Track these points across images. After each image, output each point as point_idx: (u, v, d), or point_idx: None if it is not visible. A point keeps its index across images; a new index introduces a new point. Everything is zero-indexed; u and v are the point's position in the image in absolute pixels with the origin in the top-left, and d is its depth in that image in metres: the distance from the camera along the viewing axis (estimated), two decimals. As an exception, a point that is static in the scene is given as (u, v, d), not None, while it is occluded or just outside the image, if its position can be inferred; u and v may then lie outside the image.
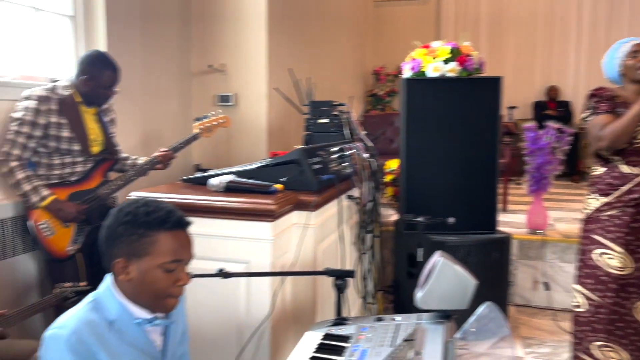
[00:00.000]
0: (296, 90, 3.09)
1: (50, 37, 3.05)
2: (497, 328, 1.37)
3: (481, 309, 1.43)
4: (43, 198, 2.45)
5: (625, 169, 2.30)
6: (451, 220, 2.74)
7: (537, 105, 7.61)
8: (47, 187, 2.49)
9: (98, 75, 2.55)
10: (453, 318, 1.62)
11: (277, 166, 2.20)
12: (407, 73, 3.15)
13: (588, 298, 2.33)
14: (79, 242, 2.57)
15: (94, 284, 1.39)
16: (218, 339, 2.00)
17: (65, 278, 2.44)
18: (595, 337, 2.31)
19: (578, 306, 2.38)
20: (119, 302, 1.28)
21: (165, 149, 2.76)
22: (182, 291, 1.31)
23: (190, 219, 1.33)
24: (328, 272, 1.79)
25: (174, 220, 1.26)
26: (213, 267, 1.77)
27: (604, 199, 2.35)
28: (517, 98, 7.55)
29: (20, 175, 2.44)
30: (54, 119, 2.49)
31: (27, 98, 2.48)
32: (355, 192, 2.68)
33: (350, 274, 1.80)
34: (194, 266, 1.36)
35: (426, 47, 3.12)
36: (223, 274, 1.71)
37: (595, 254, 2.33)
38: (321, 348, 1.54)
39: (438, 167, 3.11)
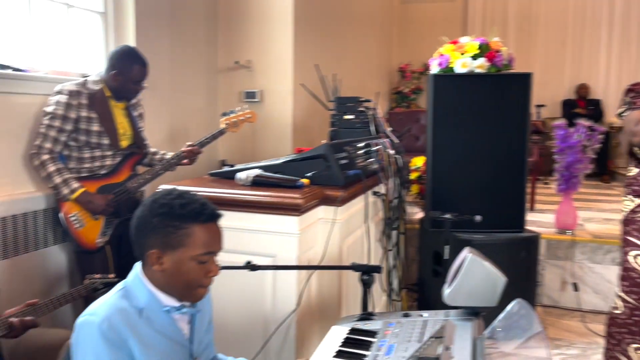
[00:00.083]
0: (322, 86, 3.08)
1: (82, 33, 3.11)
2: (528, 326, 1.34)
3: (511, 306, 1.40)
4: (73, 191, 2.50)
5: None
6: (478, 218, 2.70)
7: (566, 104, 7.47)
8: (77, 180, 2.54)
9: (127, 70, 2.58)
10: (481, 315, 1.59)
11: (304, 161, 2.20)
12: (434, 69, 3.11)
13: (624, 300, 2.28)
14: (108, 235, 2.61)
15: (121, 276, 1.41)
16: (244, 331, 2.00)
17: (94, 270, 2.48)
18: (632, 339, 2.26)
19: (616, 308, 2.33)
20: (148, 290, 1.30)
21: (192, 144, 2.78)
22: (212, 281, 1.33)
23: (221, 211, 1.34)
24: (354, 267, 1.78)
25: (208, 213, 1.28)
26: (240, 260, 1.77)
27: (639, 200, 2.28)
28: (546, 96, 7.41)
29: (51, 168, 2.49)
30: (84, 113, 2.53)
31: (59, 92, 2.52)
32: (381, 189, 2.67)
33: (376, 269, 1.79)
34: (222, 259, 1.36)
35: (454, 42, 3.08)
36: (250, 267, 1.71)
37: (631, 255, 2.27)
38: (348, 342, 1.53)
39: (465, 165, 3.07)
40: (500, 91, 3.02)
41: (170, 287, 1.30)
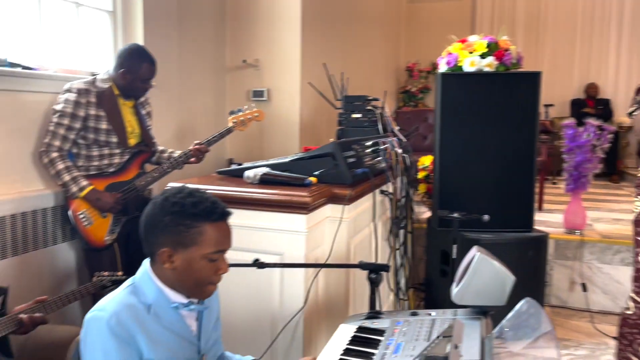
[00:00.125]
0: (330, 85, 3.08)
1: (90, 31, 3.12)
2: (538, 325, 1.33)
3: (520, 305, 1.40)
4: (82, 188, 2.51)
5: None
6: (486, 217, 2.69)
7: (575, 103, 7.43)
8: (86, 177, 2.55)
9: (136, 68, 2.59)
10: (490, 315, 1.58)
11: (311, 159, 2.20)
12: (442, 68, 3.10)
13: (635, 301, 2.27)
14: (116, 232, 2.62)
15: (129, 274, 1.42)
16: (252, 329, 2.01)
17: (102, 267, 2.49)
18: None
19: (628, 309, 2.32)
20: (157, 286, 1.30)
21: (200, 142, 2.79)
22: (221, 279, 1.33)
23: (230, 209, 1.35)
24: (362, 266, 1.78)
25: (219, 212, 1.28)
26: (248, 258, 1.78)
27: None
28: (554, 96, 7.36)
29: (60, 166, 2.50)
30: (92, 111, 2.54)
31: (68, 90, 2.54)
32: (388, 187, 2.66)
33: (384, 267, 1.79)
34: (229, 256, 1.37)
35: (463, 41, 3.07)
36: (258, 264, 1.72)
37: (642, 256, 2.26)
38: (355, 340, 1.53)
39: (473, 164, 3.06)
40: (508, 90, 3.01)
41: (180, 284, 1.30)
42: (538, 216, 3.47)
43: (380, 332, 1.56)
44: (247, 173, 2.13)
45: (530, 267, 3.02)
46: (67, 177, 2.50)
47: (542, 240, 3.09)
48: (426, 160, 3.94)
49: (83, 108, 2.52)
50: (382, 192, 2.60)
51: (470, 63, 2.97)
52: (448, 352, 1.19)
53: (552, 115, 7.16)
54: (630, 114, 2.32)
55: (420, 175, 3.92)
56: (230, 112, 2.97)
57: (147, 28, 3.33)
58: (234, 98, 4.27)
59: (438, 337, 1.29)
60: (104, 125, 2.57)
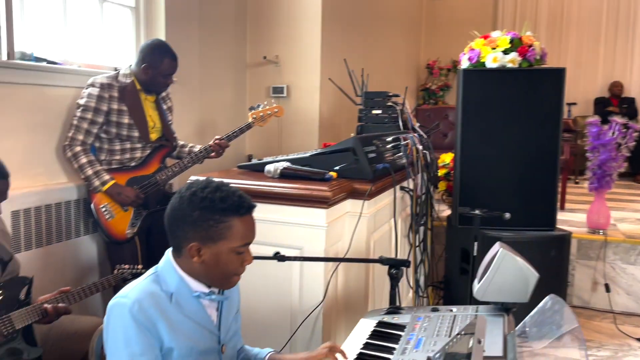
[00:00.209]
0: (351, 80, 3.07)
1: (113, 27, 3.16)
2: (562, 322, 1.31)
3: (544, 301, 1.37)
4: (104, 182, 2.54)
5: None
6: (507, 215, 2.65)
7: (599, 102, 7.30)
8: (108, 171, 2.58)
9: (157, 63, 2.61)
10: (512, 312, 1.56)
11: (332, 154, 2.19)
12: (464, 64, 3.07)
13: None
14: (136, 226, 2.64)
15: (149, 267, 1.42)
16: (271, 323, 2.01)
17: (124, 260, 2.52)
18: None
19: None
20: (179, 275, 1.31)
21: (220, 138, 2.80)
22: (245, 269, 1.34)
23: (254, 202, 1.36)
24: (383, 261, 1.77)
25: (247, 206, 1.29)
26: (268, 252, 1.78)
27: None
28: (577, 94, 7.27)
29: (83, 160, 2.53)
30: (115, 106, 2.57)
31: (91, 85, 2.57)
32: (409, 184, 2.64)
33: (405, 263, 1.77)
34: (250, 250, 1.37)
35: (485, 37, 3.02)
36: (279, 257, 1.72)
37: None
38: (375, 335, 1.52)
39: (494, 161, 3.02)
40: (532, 87, 2.96)
41: (207, 276, 1.31)
42: (560, 215, 3.42)
43: (400, 327, 1.55)
44: (268, 167, 2.13)
45: (552, 267, 2.97)
46: (89, 171, 2.53)
47: (565, 239, 3.04)
48: (447, 158, 3.91)
49: (106, 102, 2.55)
50: (402, 188, 2.58)
51: (493, 59, 2.93)
52: (471, 347, 1.17)
53: (575, 114, 7.05)
54: None
55: (441, 172, 3.89)
56: (250, 107, 2.97)
57: (168, 24, 3.36)
58: (254, 94, 4.28)
59: (460, 332, 1.28)
60: (126, 120, 2.60)
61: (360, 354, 1.42)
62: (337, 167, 2.15)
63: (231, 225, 1.27)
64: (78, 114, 2.54)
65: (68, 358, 1.93)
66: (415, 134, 2.80)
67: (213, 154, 2.80)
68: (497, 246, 1.55)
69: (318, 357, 1.37)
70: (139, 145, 2.66)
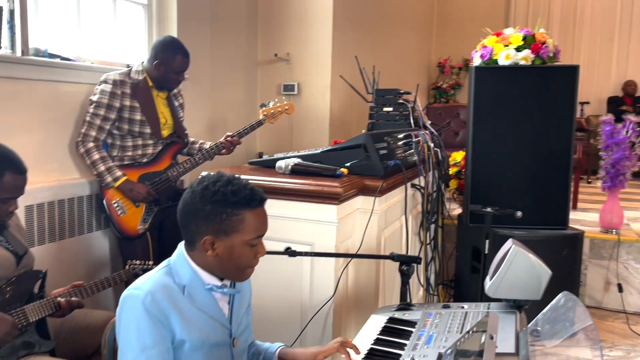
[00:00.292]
0: (362, 77, 3.06)
1: (126, 24, 3.18)
2: (576, 319, 1.30)
3: (557, 299, 1.36)
4: (116, 179, 2.56)
5: None
6: (519, 214, 2.64)
7: (612, 101, 7.22)
8: (120, 167, 2.59)
9: (169, 60, 2.62)
10: (524, 309, 1.55)
11: (343, 150, 2.19)
12: (476, 61, 3.05)
13: None
14: (148, 222, 2.66)
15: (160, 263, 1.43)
16: (282, 318, 2.01)
17: (135, 255, 2.54)
18: None
19: None
20: (191, 268, 1.32)
21: (232, 135, 2.81)
22: (259, 261, 1.35)
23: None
24: (394, 257, 1.76)
25: (259, 199, 1.30)
26: (279, 248, 1.78)
27: None
28: (590, 93, 7.20)
29: (96, 156, 2.55)
30: (127, 102, 2.59)
31: (104, 82, 2.59)
32: (420, 181, 2.63)
33: (416, 259, 1.77)
34: (261, 246, 1.37)
35: (498, 34, 3.01)
36: (290, 252, 1.72)
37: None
38: (386, 331, 1.52)
39: (506, 159, 3.00)
40: (545, 84, 2.94)
41: (221, 270, 1.32)
42: (572, 215, 3.39)
43: (411, 323, 1.55)
44: (279, 163, 2.13)
45: (564, 266, 2.95)
46: (102, 167, 2.55)
47: (577, 238, 3.01)
48: (458, 156, 3.89)
49: (118, 99, 2.56)
50: (413, 185, 2.57)
51: (506, 56, 2.92)
52: (483, 344, 1.17)
53: (588, 113, 6.99)
54: None
55: (452, 171, 3.88)
56: (261, 104, 2.98)
57: (181, 21, 3.37)
58: (265, 92, 4.29)
59: (472, 328, 1.27)
60: (138, 116, 2.61)
61: (371, 349, 1.42)
62: (348, 164, 2.15)
63: (243, 218, 1.28)
64: (91, 110, 2.56)
65: (80, 351, 1.95)
66: (427, 131, 2.79)
67: (224, 150, 2.81)
68: (509, 243, 1.54)
69: (329, 352, 1.37)
70: (150, 142, 2.68)
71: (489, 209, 2.51)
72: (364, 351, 1.41)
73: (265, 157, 2.42)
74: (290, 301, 2.00)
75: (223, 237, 1.28)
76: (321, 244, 1.94)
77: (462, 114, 5.57)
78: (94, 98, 2.57)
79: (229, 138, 2.80)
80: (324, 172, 2.06)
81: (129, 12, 3.20)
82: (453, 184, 3.96)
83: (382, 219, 2.18)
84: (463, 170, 3.69)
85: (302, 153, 2.27)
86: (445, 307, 1.64)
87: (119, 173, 2.57)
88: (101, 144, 2.60)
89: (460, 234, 3.40)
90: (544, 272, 1.49)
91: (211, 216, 1.27)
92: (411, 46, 6.77)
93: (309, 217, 1.96)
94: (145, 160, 2.68)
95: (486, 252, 2.51)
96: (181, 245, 1.36)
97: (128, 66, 2.83)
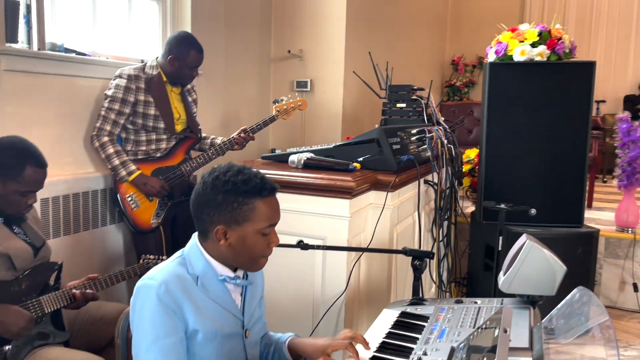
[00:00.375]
0: (375, 74, 3.05)
1: (140, 20, 3.20)
2: (591, 314, 1.28)
3: (572, 294, 1.34)
4: (130, 173, 2.57)
5: None
6: (533, 211, 2.61)
7: (628, 100, 7.13)
8: (134, 162, 2.61)
9: (183, 55, 2.63)
10: (538, 305, 1.53)
11: (356, 145, 2.18)
12: (491, 57, 3.02)
13: None
14: (161, 216, 2.67)
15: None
16: (294, 312, 2.02)
17: (148, 249, 2.56)
18: None
19: None
20: (205, 259, 1.33)
21: (245, 130, 2.82)
22: (272, 251, 1.36)
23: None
24: (406, 252, 1.75)
25: (269, 187, 1.31)
26: (291, 242, 1.78)
27: None
28: (606, 91, 7.12)
29: (110, 150, 2.57)
30: (141, 97, 2.60)
31: (118, 76, 2.60)
32: (433, 177, 2.62)
33: (429, 254, 1.76)
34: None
35: (513, 30, 2.98)
36: (302, 245, 1.72)
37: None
38: (398, 325, 1.51)
39: (520, 156, 2.97)
40: (560, 81, 2.91)
41: (234, 259, 1.33)
42: (587, 214, 3.35)
43: (424, 318, 1.54)
44: (292, 158, 2.14)
45: (579, 264, 2.92)
46: (116, 161, 2.57)
47: (592, 236, 2.98)
48: (471, 153, 3.87)
49: (133, 93, 2.58)
50: (427, 181, 2.56)
51: (521, 52, 2.89)
52: (496, 338, 1.16)
53: (604, 111, 6.91)
54: None
55: (465, 168, 3.85)
56: (274, 100, 2.98)
57: (195, 18, 3.39)
58: (278, 88, 4.29)
59: (485, 322, 1.26)
60: (152, 111, 2.63)
61: (383, 342, 1.41)
62: (360, 158, 2.15)
63: (255, 206, 1.28)
64: (105, 104, 2.58)
65: (94, 343, 1.97)
66: (440, 128, 2.77)
67: (237, 146, 2.82)
68: (523, 238, 1.53)
69: (338, 347, 1.35)
70: (164, 137, 2.69)
71: (502, 205, 2.49)
72: (376, 345, 1.40)
73: (278, 152, 2.43)
74: (302, 295, 2.00)
75: (235, 226, 1.28)
76: (333, 238, 1.94)
77: (476, 111, 5.53)
78: (109, 92, 2.59)
79: (242, 134, 2.80)
80: (336, 166, 2.06)
81: (144, 8, 3.22)
82: (466, 181, 3.94)
83: (395, 215, 2.18)
84: (476, 167, 3.66)
85: (314, 148, 2.27)
86: (458, 302, 1.62)
87: (133, 167, 2.59)
88: (115, 138, 2.62)
89: (473, 232, 3.38)
90: (559, 268, 1.47)
91: (223, 206, 1.27)
92: (425, 43, 6.73)
93: (322, 211, 1.96)
94: (158, 154, 2.69)
95: (499, 249, 2.49)
96: (195, 236, 1.37)
97: (142, 61, 2.84)
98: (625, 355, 2.86)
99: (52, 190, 2.43)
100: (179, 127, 2.75)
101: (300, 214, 1.98)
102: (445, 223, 2.82)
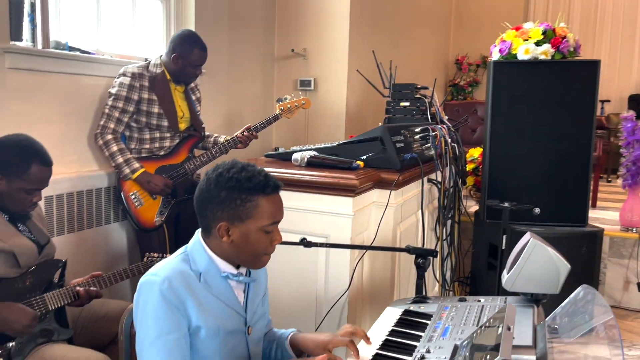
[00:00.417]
0: (379, 72, 3.05)
1: (144, 19, 3.20)
2: (595, 312, 1.27)
3: (576, 292, 1.34)
4: (134, 170, 2.58)
5: None
6: (537, 210, 2.61)
7: (633, 99, 7.09)
8: (137, 160, 2.61)
9: (187, 53, 2.63)
10: (541, 303, 1.53)
11: (359, 143, 2.18)
12: (495, 56, 3.02)
13: None
14: (165, 214, 2.68)
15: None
16: (297, 310, 2.02)
17: (152, 247, 2.57)
18: None
19: None
20: (208, 256, 1.33)
21: (248, 128, 2.82)
22: (275, 249, 1.36)
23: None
24: (409, 250, 1.75)
25: (273, 185, 1.31)
26: (294, 240, 1.78)
27: None
28: (611, 91, 7.09)
29: (114, 148, 2.58)
30: (145, 95, 2.61)
31: (123, 74, 2.61)
32: (436, 176, 2.61)
33: (432, 252, 1.76)
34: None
35: (517, 28, 2.97)
36: (305, 243, 1.72)
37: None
38: (401, 323, 1.51)
39: (524, 155, 2.96)
40: (565, 79, 2.90)
41: (237, 256, 1.33)
42: (591, 213, 3.34)
43: (427, 316, 1.54)
44: (295, 156, 2.14)
45: (583, 264, 2.91)
46: (120, 159, 2.57)
47: (597, 235, 2.97)
48: (475, 153, 3.86)
49: (137, 91, 2.59)
50: (430, 180, 2.56)
51: (525, 51, 2.88)
52: (500, 335, 1.15)
53: (609, 111, 6.88)
54: None
55: (469, 167, 3.84)
56: (277, 99, 2.99)
57: (198, 16, 3.39)
58: (281, 87, 4.29)
59: (489, 319, 1.26)
60: (155, 109, 2.63)
61: (386, 340, 1.41)
62: (364, 157, 2.14)
63: (258, 204, 1.28)
64: (110, 102, 2.59)
65: (97, 340, 1.97)
66: (444, 126, 2.77)
67: (240, 144, 2.82)
68: (527, 236, 1.52)
69: (339, 343, 1.35)
70: (168, 135, 2.70)
71: (506, 204, 2.49)
72: (379, 342, 1.40)
73: (281, 150, 2.43)
74: (305, 293, 2.00)
75: (238, 223, 1.28)
76: (336, 236, 1.94)
77: (480, 110, 5.51)
78: (113, 90, 2.59)
79: (246, 132, 2.80)
80: (339, 164, 2.06)
81: (148, 7, 3.22)
82: (470, 180, 3.93)
83: (398, 213, 2.17)
84: (480, 167, 3.66)
85: (318, 146, 2.27)
86: (462, 300, 1.62)
87: (136, 165, 2.59)
88: (119, 136, 2.62)
89: (476, 231, 3.37)
90: (563, 266, 1.47)
91: (226, 202, 1.27)
92: (428, 43, 6.72)
93: (325, 209, 1.96)
94: (162, 153, 2.70)
95: (503, 247, 2.49)
96: (198, 233, 1.37)
97: (146, 60, 2.85)
98: (630, 355, 2.85)
99: (57, 188, 2.44)
100: (182, 126, 2.75)
101: (304, 212, 1.98)
102: (449, 222, 2.81)
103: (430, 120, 2.90)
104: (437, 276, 2.65)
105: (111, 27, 2.95)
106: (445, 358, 1.26)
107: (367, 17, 4.46)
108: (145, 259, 2.10)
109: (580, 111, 2.92)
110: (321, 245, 1.75)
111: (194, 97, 2.87)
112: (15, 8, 2.30)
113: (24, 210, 1.84)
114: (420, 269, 1.77)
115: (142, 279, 1.27)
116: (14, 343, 1.72)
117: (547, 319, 1.40)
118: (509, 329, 1.12)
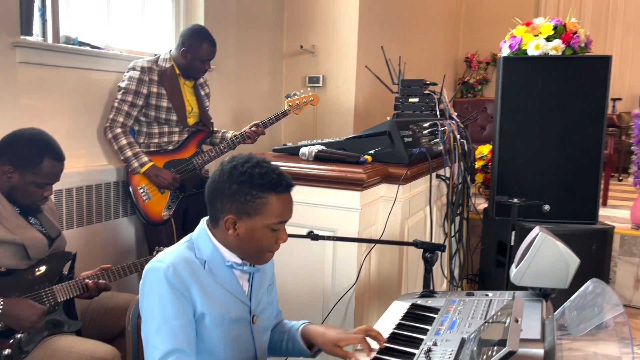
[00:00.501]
0: (388, 68, 3.04)
1: (154, 14, 3.21)
2: (605, 305, 1.26)
3: (585, 286, 1.32)
4: (143, 164, 2.59)
5: None
6: (546, 207, 2.59)
7: (645, 98, 7.03)
8: (146, 154, 2.62)
9: (196, 48, 2.64)
10: (550, 298, 1.52)
11: (367, 138, 2.18)
12: (505, 51, 3.00)
13: None
14: (173, 209, 2.69)
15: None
16: (304, 304, 2.02)
17: (160, 241, 2.58)
18: None
19: None
20: (213, 244, 1.33)
21: (257, 124, 2.82)
22: (279, 247, 1.35)
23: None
24: (417, 244, 1.74)
25: (285, 184, 1.30)
26: (301, 234, 1.78)
27: None
28: (622, 89, 7.01)
29: (123, 141, 2.59)
30: (154, 89, 2.62)
31: (132, 68, 2.62)
32: (445, 172, 2.60)
33: (440, 247, 1.75)
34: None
35: (527, 24, 2.95)
36: (312, 236, 1.71)
37: None
38: (409, 316, 1.50)
39: (534, 152, 2.94)
40: (575, 75, 2.88)
41: (240, 250, 1.33)
42: (602, 212, 3.32)
43: (434, 310, 1.53)
44: (303, 150, 2.14)
45: (593, 261, 2.89)
46: (129, 153, 2.58)
47: (607, 233, 2.94)
48: (484, 150, 3.84)
49: (146, 86, 2.60)
50: (439, 176, 2.55)
51: (535, 46, 2.86)
52: (507, 328, 1.15)
53: (620, 109, 6.81)
54: None
55: (478, 164, 3.82)
56: (286, 95, 2.98)
57: (207, 12, 3.39)
58: (290, 84, 4.29)
59: (496, 313, 1.25)
60: (164, 103, 2.64)
61: (394, 333, 1.41)
62: (372, 151, 2.14)
63: (268, 201, 1.28)
64: (119, 96, 2.60)
65: (106, 332, 1.98)
66: (453, 122, 2.75)
67: (248, 140, 2.82)
68: (536, 230, 1.51)
69: (352, 341, 1.35)
70: (176, 129, 2.70)
71: (515, 200, 2.47)
72: (386, 335, 1.40)
73: (289, 145, 2.42)
74: (312, 287, 2.00)
75: (245, 218, 1.28)
76: (344, 230, 1.93)
77: (489, 108, 5.48)
78: (122, 84, 2.61)
79: (254, 128, 2.81)
80: (347, 159, 2.06)
81: (157, 3, 3.23)
82: (479, 177, 3.91)
83: (406, 208, 2.17)
84: (489, 163, 3.63)
85: (326, 141, 2.26)
86: (469, 294, 1.61)
87: (145, 159, 2.60)
88: (128, 130, 2.63)
89: (485, 228, 3.35)
90: (572, 260, 1.46)
91: (236, 196, 1.27)
92: (438, 40, 6.69)
93: (332, 203, 1.96)
94: (171, 147, 2.71)
95: (512, 244, 2.47)
96: (204, 221, 1.37)
97: (155, 55, 2.86)
98: (639, 353, 2.82)
99: (66, 182, 2.45)
100: (191, 120, 2.76)
101: (311, 206, 1.98)
102: (457, 219, 2.80)
103: (439, 116, 2.88)
104: (445, 273, 2.64)
105: (121, 22, 2.97)
106: (452, 351, 1.26)
107: (376, 13, 4.45)
108: (154, 253, 2.11)
109: (591, 108, 2.89)
110: (328, 238, 1.75)
111: (202, 93, 2.87)
112: (26, 3, 2.31)
113: (35, 204, 1.86)
114: (428, 264, 1.76)
115: (148, 265, 1.28)
116: (23, 334, 1.73)
117: (555, 313, 1.39)
118: (517, 321, 1.11)
